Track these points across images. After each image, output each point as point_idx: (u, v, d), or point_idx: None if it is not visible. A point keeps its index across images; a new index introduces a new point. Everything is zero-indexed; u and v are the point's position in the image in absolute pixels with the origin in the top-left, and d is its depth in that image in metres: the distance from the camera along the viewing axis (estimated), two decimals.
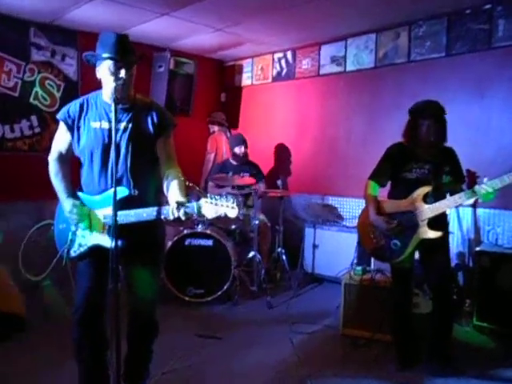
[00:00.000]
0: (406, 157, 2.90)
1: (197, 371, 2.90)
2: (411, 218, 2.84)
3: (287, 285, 4.63)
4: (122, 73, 2.06)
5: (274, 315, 3.90)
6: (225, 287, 4.08)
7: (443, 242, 2.89)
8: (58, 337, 3.04)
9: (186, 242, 4.14)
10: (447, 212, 2.91)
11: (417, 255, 2.97)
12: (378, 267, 3.43)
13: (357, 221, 3.14)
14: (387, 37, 4.60)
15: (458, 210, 4.06)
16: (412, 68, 4.43)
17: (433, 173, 2.84)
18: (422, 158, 2.88)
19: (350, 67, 4.92)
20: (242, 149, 4.87)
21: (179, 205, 1.95)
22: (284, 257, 4.71)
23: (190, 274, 4.11)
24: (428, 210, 2.79)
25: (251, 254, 4.36)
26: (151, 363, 2.44)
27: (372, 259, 3.67)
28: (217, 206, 1.93)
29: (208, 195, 1.97)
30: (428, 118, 2.79)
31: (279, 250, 4.79)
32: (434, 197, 2.79)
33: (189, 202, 1.97)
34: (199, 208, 1.96)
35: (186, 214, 1.95)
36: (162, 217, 2.02)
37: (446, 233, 2.95)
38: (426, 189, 2.81)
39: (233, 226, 4.50)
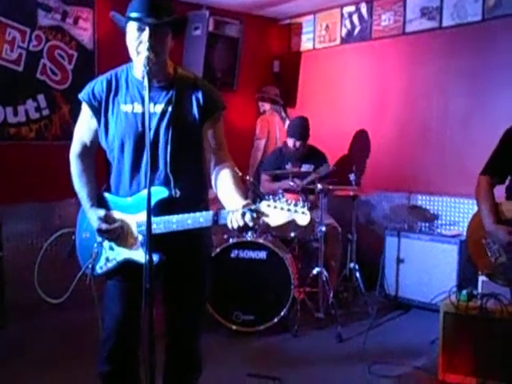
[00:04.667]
0: None
1: None
2: None
3: (363, 311, 4.60)
4: (144, 36, 2.06)
5: (347, 351, 3.88)
6: (282, 313, 4.09)
7: None
8: None
9: (233, 255, 4.19)
10: None
11: None
12: (491, 291, 3.32)
13: (466, 230, 3.09)
14: None
15: None
16: None
17: None
18: None
19: (447, 21, 4.84)
20: (297, 144, 4.84)
21: (251, 209, 1.92)
22: (358, 274, 4.69)
23: (236, 296, 4.16)
24: None
25: (316, 270, 4.35)
26: None
27: (480, 280, 3.57)
28: (283, 211, 1.92)
29: (271, 197, 1.96)
30: None
31: (352, 265, 4.77)
32: None
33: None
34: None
35: (254, 220, 1.92)
36: (222, 222, 2.01)
37: None
38: None
39: (292, 234, 4.51)
